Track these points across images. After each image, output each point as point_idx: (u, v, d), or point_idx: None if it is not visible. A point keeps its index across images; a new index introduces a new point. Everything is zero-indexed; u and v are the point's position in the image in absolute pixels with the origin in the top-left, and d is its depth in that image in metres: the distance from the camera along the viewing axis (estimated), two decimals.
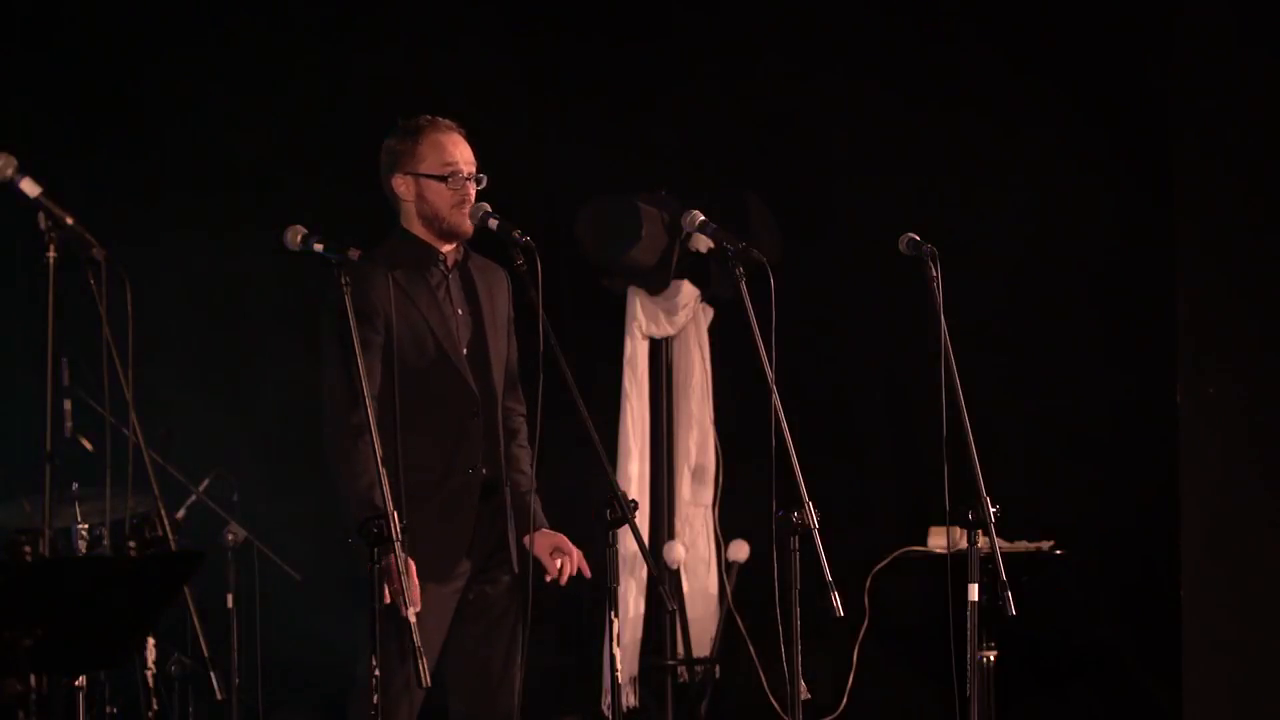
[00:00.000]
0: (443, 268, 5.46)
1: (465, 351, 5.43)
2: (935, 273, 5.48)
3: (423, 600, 5.11)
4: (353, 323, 5.01)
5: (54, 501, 4.72)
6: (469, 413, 5.40)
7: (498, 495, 5.43)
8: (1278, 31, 7.13)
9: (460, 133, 5.49)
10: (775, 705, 7.00)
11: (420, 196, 5.44)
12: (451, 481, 5.35)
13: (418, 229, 5.46)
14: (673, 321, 7.49)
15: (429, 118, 5.48)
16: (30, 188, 4.50)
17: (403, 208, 5.47)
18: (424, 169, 5.43)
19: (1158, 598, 7.14)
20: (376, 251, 5.40)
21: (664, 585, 7.05)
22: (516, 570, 5.41)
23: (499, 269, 5.55)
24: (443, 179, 5.41)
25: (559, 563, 5.41)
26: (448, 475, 5.35)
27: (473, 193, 5.43)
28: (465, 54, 7.80)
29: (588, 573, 5.44)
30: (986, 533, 5.37)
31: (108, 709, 6.08)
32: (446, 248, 5.48)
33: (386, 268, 5.33)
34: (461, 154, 5.45)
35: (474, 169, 5.45)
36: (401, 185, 5.45)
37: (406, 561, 5.02)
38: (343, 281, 5.01)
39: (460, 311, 5.46)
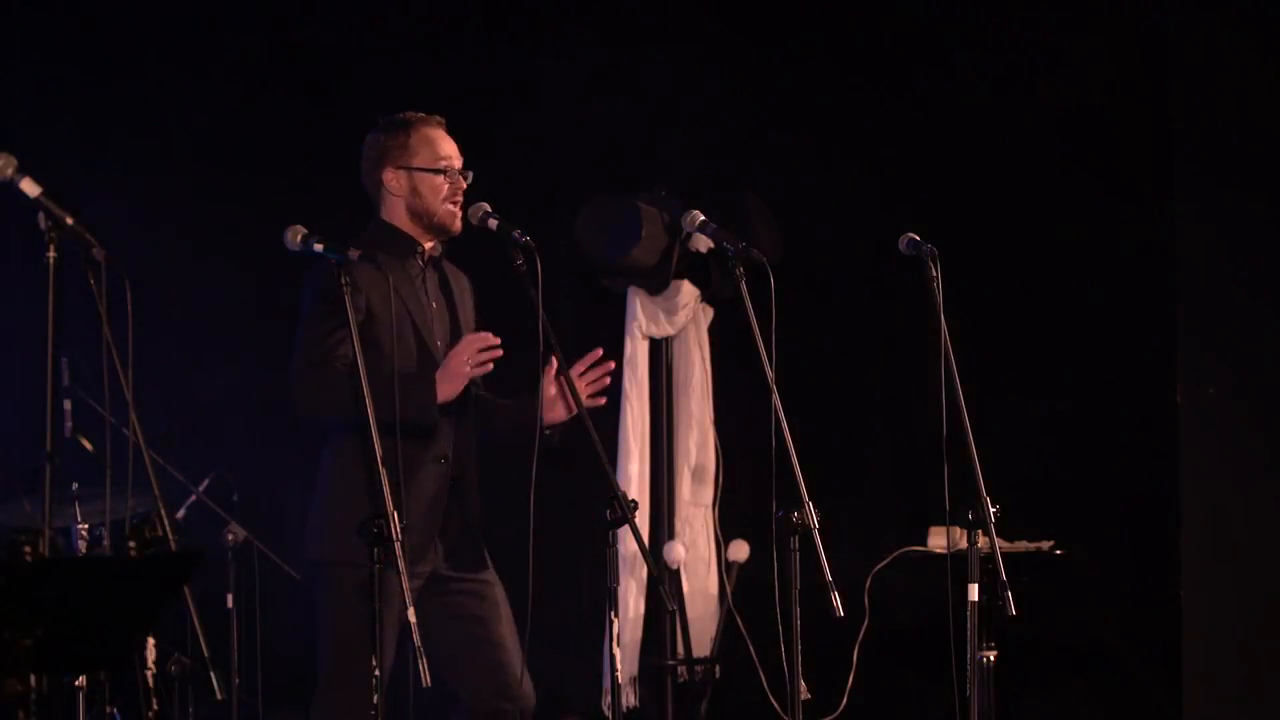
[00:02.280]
0: (421, 260, 5.48)
1: (440, 345, 5.44)
2: (935, 273, 5.48)
3: (387, 587, 5.08)
4: (352, 320, 5.01)
5: (54, 501, 4.72)
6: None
7: (464, 492, 5.43)
8: (1277, 32, 7.14)
9: (445, 128, 5.51)
10: (775, 705, 7.00)
11: (413, 191, 5.45)
12: (421, 470, 5.35)
13: (401, 221, 5.47)
14: (673, 321, 7.49)
15: (415, 113, 5.50)
16: (30, 188, 4.50)
17: (388, 201, 5.48)
18: (417, 163, 5.44)
19: (1158, 598, 7.14)
20: (356, 240, 5.39)
21: (664, 585, 7.05)
22: (481, 565, 5.46)
23: (463, 274, 5.59)
24: (439, 173, 5.42)
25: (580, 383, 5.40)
26: (418, 464, 5.35)
27: (463, 188, 5.45)
28: (465, 54, 7.80)
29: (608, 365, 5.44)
30: (986, 533, 5.37)
31: (108, 709, 6.08)
32: (428, 243, 5.48)
33: (369, 254, 5.32)
34: (451, 149, 5.49)
35: (462, 163, 5.47)
36: (392, 179, 5.45)
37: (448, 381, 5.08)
38: (343, 282, 5.01)
39: (435, 305, 5.48)
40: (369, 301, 5.31)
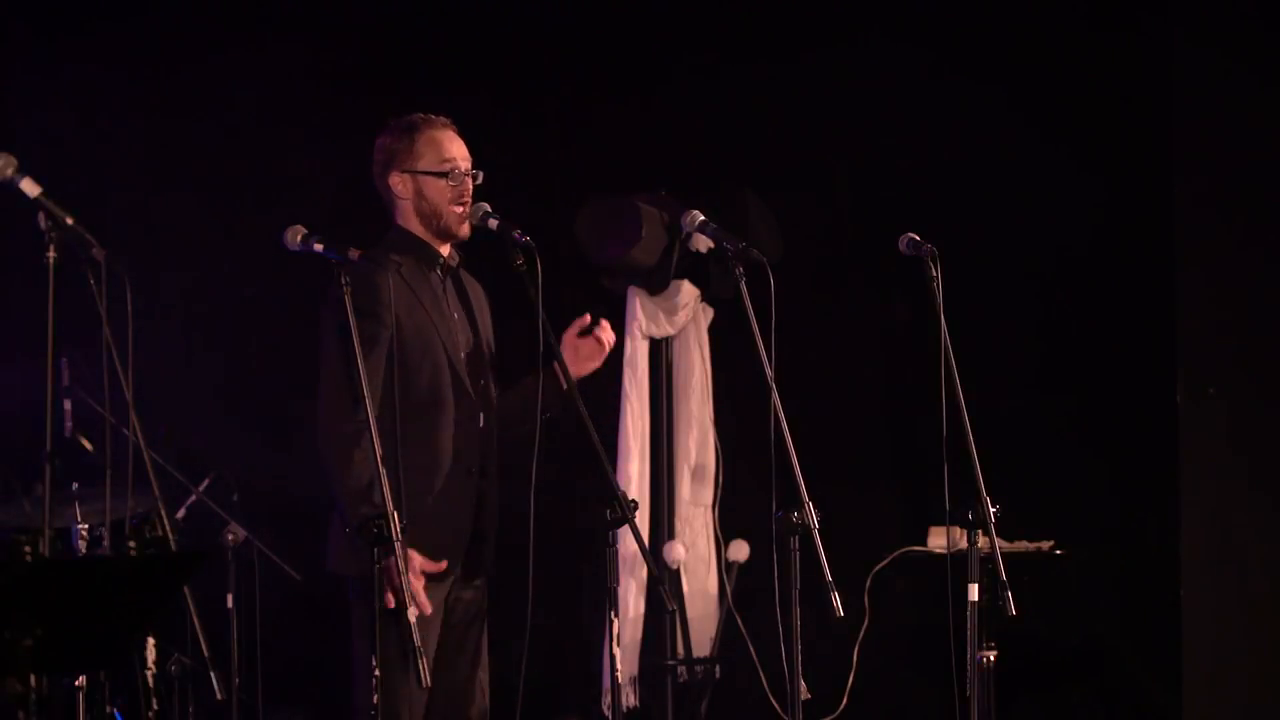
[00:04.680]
0: (441, 272, 5.47)
1: (463, 356, 5.43)
2: (935, 273, 5.48)
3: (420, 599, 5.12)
4: (353, 322, 5.01)
5: (54, 501, 4.72)
6: (467, 414, 5.40)
7: (488, 504, 5.44)
8: (1278, 32, 7.14)
9: (454, 129, 5.49)
10: (775, 705, 7.00)
11: (419, 194, 5.44)
12: (446, 482, 5.35)
13: (415, 227, 5.45)
14: (673, 321, 7.49)
15: (423, 115, 5.48)
16: (30, 188, 4.51)
17: (399, 206, 5.46)
18: (422, 166, 5.42)
19: (1158, 598, 7.14)
20: (377, 248, 5.40)
21: (664, 585, 7.05)
22: (489, 574, 5.45)
23: (478, 284, 5.58)
24: (443, 175, 5.41)
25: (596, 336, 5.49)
26: (441, 475, 5.34)
27: (471, 189, 5.44)
28: (466, 53, 7.80)
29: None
30: (986, 533, 5.37)
31: (108, 709, 6.08)
32: (445, 248, 5.48)
33: (393, 265, 5.33)
34: (459, 150, 5.45)
35: (470, 165, 5.46)
36: (399, 183, 5.44)
37: (408, 561, 5.02)
38: (343, 281, 5.01)
39: (457, 315, 5.47)
40: (397, 314, 5.30)
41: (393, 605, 5.03)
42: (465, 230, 5.43)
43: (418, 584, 5.13)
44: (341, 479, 5.18)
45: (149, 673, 6.45)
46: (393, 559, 4.94)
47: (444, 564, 5.26)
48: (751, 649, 7.24)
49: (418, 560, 5.17)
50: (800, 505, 5.14)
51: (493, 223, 5.36)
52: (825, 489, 5.31)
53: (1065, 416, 7.37)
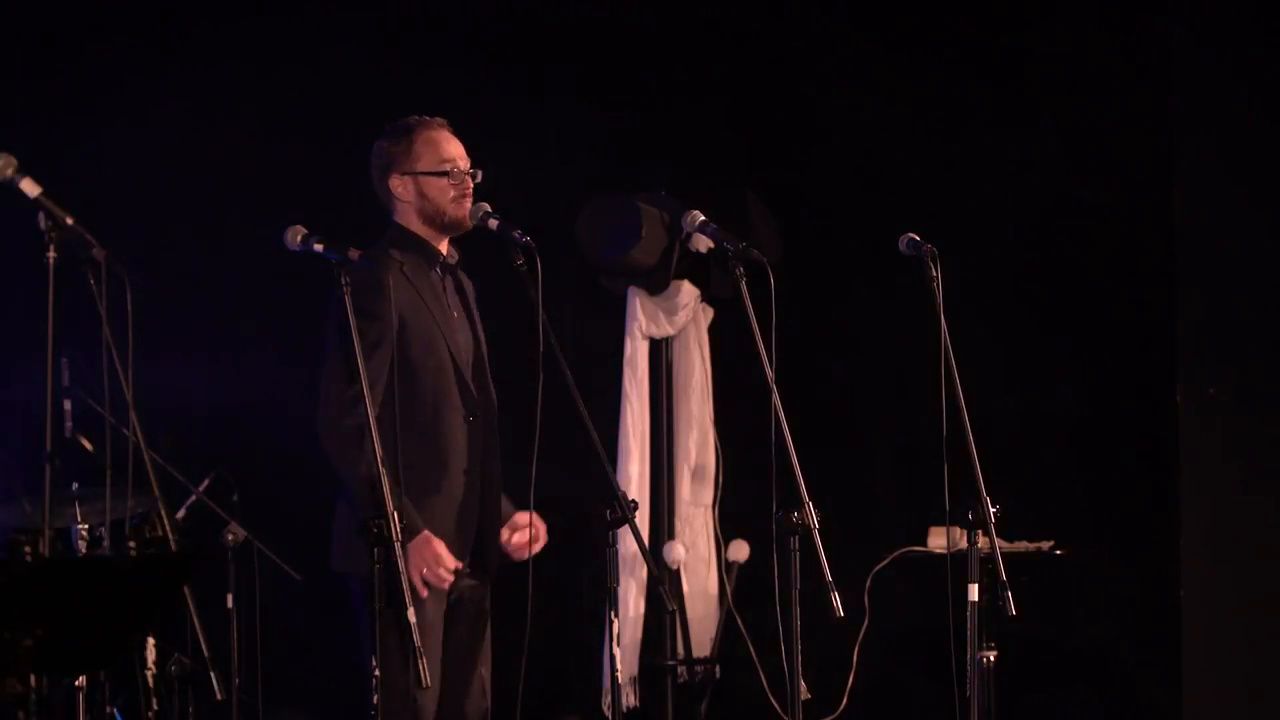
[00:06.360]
0: (441, 269, 5.48)
1: (465, 353, 5.44)
2: (935, 273, 5.48)
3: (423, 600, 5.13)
4: (354, 322, 5.01)
5: (54, 501, 4.72)
6: (468, 412, 5.41)
7: (490, 499, 5.44)
8: (1278, 31, 7.14)
9: (450, 129, 5.51)
10: (775, 705, 7.00)
11: (420, 194, 5.45)
12: (450, 482, 5.36)
13: (416, 227, 5.46)
14: (673, 321, 7.49)
15: (418, 117, 5.50)
16: (30, 188, 4.51)
17: (399, 208, 5.47)
18: (422, 167, 5.44)
19: (1158, 598, 7.14)
20: (377, 246, 5.40)
21: (664, 585, 7.05)
22: (492, 574, 5.46)
23: (470, 282, 5.59)
24: (443, 174, 5.42)
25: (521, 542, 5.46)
26: (446, 475, 5.35)
27: (471, 186, 5.45)
28: (466, 54, 7.80)
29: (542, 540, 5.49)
30: (986, 533, 5.37)
31: (108, 709, 6.08)
32: (445, 247, 5.49)
33: (394, 262, 5.34)
34: (456, 149, 5.47)
35: (469, 163, 5.47)
36: (399, 186, 5.45)
37: (430, 550, 5.05)
38: (344, 281, 5.01)
39: (456, 314, 5.48)
40: (401, 314, 5.30)
41: (425, 594, 5.11)
42: (470, 221, 5.44)
43: (446, 575, 5.17)
44: (351, 472, 5.19)
45: (149, 673, 6.45)
46: (411, 547, 4.96)
47: (462, 564, 5.27)
48: (751, 649, 7.24)
49: (442, 551, 5.20)
50: (800, 505, 5.14)
51: (493, 223, 5.37)
52: (825, 489, 5.31)
53: (1065, 416, 7.37)
